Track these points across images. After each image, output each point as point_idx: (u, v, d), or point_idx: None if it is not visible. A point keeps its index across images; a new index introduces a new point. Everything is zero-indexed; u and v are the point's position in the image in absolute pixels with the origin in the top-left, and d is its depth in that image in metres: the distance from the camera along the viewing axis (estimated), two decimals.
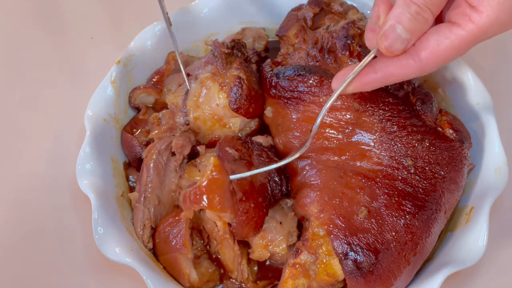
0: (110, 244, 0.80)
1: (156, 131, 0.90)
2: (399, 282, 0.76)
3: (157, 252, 0.85)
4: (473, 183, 0.86)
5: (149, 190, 0.85)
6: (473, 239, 0.80)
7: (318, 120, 0.75)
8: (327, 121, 0.83)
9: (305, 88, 0.84)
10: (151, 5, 0.96)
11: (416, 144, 0.79)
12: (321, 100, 0.83)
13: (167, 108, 0.93)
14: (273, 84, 0.87)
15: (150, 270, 0.78)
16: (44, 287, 0.87)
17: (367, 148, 0.80)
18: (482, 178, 0.85)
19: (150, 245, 0.85)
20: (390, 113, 0.81)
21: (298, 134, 0.85)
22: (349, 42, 0.85)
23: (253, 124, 0.92)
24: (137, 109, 0.97)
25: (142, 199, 0.85)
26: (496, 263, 0.87)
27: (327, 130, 0.83)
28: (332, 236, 0.75)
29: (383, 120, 0.80)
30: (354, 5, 0.98)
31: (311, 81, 0.83)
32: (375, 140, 0.80)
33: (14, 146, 0.99)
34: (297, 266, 0.76)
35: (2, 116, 1.03)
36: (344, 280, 0.76)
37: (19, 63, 1.09)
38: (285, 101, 0.86)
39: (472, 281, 0.85)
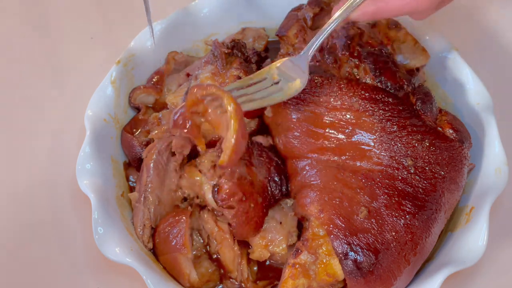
0: (110, 244, 0.80)
1: (156, 131, 0.90)
2: (399, 282, 0.76)
3: (157, 252, 0.85)
4: (473, 183, 0.86)
5: (149, 190, 0.85)
6: (473, 239, 0.80)
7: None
8: (327, 121, 0.83)
9: (305, 88, 0.84)
10: (151, 5, 0.96)
11: (416, 144, 0.79)
12: (321, 100, 0.83)
13: (167, 108, 0.93)
14: None
15: (150, 270, 0.78)
16: (44, 287, 0.87)
17: (367, 148, 0.80)
18: (482, 178, 0.85)
19: (150, 245, 0.85)
20: (390, 113, 0.81)
21: (298, 134, 0.85)
22: (349, 42, 0.85)
23: (253, 124, 0.92)
24: (137, 109, 0.97)
25: (142, 199, 0.85)
26: (496, 263, 0.87)
27: (327, 130, 0.83)
28: (332, 236, 0.75)
29: (383, 120, 0.80)
30: None
31: (310, 81, 0.83)
32: (375, 140, 0.80)
33: (14, 146, 0.99)
34: (297, 266, 0.76)
35: (2, 116, 1.03)
36: (344, 280, 0.76)
37: (19, 63, 1.09)
38: (285, 101, 0.86)
39: (472, 281, 0.85)
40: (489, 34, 1.10)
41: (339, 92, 0.82)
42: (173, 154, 0.87)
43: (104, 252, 0.79)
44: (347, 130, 0.82)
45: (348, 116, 0.82)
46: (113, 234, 0.81)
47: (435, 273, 0.76)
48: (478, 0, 1.11)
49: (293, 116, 0.85)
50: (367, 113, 0.81)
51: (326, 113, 0.83)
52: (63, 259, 0.88)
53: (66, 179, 0.94)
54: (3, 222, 0.92)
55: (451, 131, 0.81)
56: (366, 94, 0.81)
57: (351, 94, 0.81)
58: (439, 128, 0.82)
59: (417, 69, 0.90)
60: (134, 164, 0.92)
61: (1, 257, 0.89)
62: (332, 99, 0.83)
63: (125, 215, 0.87)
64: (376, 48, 0.87)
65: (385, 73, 0.83)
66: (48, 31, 1.13)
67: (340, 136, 0.82)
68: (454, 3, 1.09)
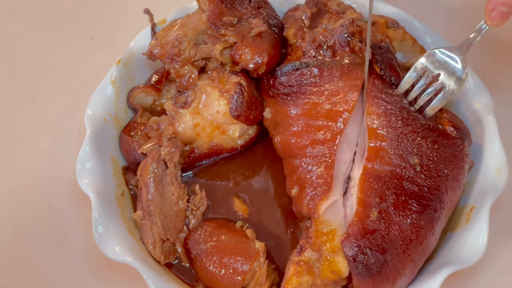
0: (110, 243, 0.80)
1: (147, 145, 0.89)
2: (403, 279, 0.76)
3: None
4: (473, 182, 0.86)
5: (152, 205, 0.83)
6: (473, 239, 0.80)
7: None
8: (329, 110, 0.82)
9: (305, 80, 0.84)
10: (151, 5, 0.96)
11: (421, 142, 0.79)
12: (322, 89, 0.83)
13: (166, 114, 0.92)
14: (271, 83, 0.87)
15: (150, 269, 0.78)
16: (44, 287, 0.87)
17: (373, 136, 0.80)
18: (482, 177, 0.85)
19: (163, 259, 0.83)
20: (393, 106, 0.80)
21: (296, 129, 0.84)
22: (349, 39, 0.85)
23: (252, 131, 0.92)
24: (135, 110, 0.96)
25: (147, 215, 0.83)
26: (496, 263, 0.87)
27: (329, 121, 0.82)
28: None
29: (387, 113, 0.79)
30: (352, 5, 0.98)
31: (310, 73, 0.83)
32: (380, 125, 0.80)
33: (14, 146, 0.99)
34: (301, 263, 0.76)
35: (2, 116, 1.03)
36: (348, 277, 0.75)
37: (19, 63, 1.10)
38: (284, 97, 0.86)
39: (472, 281, 0.86)
40: (489, 34, 1.10)
41: (343, 76, 0.82)
42: (167, 166, 0.87)
43: (104, 251, 0.79)
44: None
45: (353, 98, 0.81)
46: (113, 233, 0.81)
47: (436, 272, 0.77)
48: (478, 0, 1.11)
49: (292, 112, 0.85)
50: (370, 96, 0.80)
51: (328, 101, 0.82)
52: (63, 259, 0.88)
53: (66, 178, 0.94)
54: (3, 221, 0.91)
55: (451, 129, 0.81)
56: (368, 87, 0.81)
57: (355, 76, 0.81)
58: (439, 125, 0.82)
59: None
60: (133, 167, 0.91)
61: (1, 257, 0.89)
62: (333, 85, 0.82)
63: (125, 215, 0.87)
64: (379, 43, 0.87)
65: (390, 68, 0.83)
66: (48, 31, 1.13)
67: (342, 124, 0.81)
68: (454, 3, 1.09)
